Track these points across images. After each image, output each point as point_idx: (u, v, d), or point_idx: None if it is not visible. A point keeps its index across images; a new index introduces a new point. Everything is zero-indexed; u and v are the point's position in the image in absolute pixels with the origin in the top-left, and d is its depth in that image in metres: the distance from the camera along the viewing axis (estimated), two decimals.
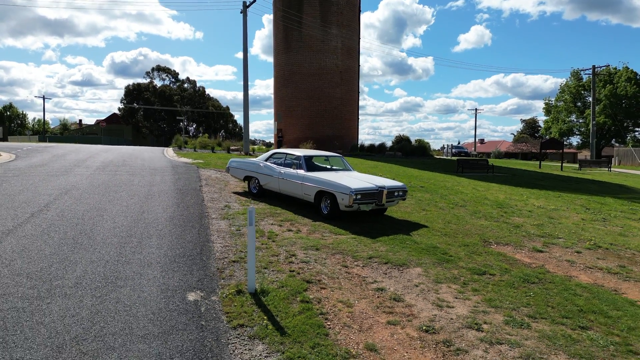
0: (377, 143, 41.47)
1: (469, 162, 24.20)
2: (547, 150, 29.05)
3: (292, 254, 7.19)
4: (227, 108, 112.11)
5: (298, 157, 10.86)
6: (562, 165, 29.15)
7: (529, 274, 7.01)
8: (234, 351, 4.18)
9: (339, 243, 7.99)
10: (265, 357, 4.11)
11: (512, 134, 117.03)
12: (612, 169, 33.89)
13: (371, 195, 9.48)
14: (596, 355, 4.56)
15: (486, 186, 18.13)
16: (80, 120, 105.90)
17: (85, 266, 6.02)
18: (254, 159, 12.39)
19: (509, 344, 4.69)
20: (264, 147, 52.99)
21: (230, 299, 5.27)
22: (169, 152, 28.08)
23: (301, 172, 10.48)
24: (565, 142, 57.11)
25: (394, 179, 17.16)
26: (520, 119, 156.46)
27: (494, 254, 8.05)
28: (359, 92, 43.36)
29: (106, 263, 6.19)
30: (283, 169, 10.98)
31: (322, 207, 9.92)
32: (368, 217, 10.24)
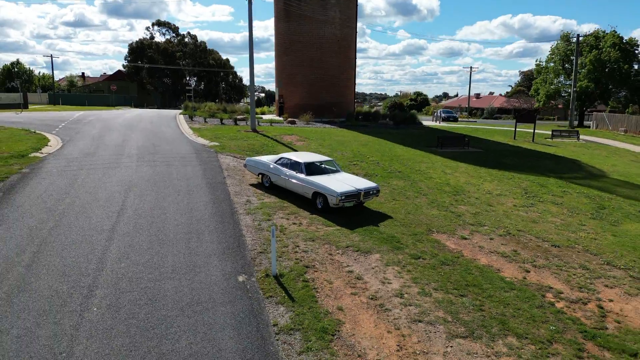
0: (376, 91, 44.45)
1: (448, 138, 27.75)
2: (522, 122, 32.26)
3: (296, 245, 11.14)
4: (227, 60, 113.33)
5: (300, 164, 14.55)
6: (533, 136, 32.68)
7: (448, 258, 10.99)
8: (268, 311, 8.19)
9: (327, 235, 11.92)
10: (284, 314, 8.12)
11: (510, 86, 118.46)
12: (583, 137, 37.39)
13: (352, 196, 13.31)
14: (460, 312, 8.59)
15: (455, 167, 21.90)
16: (83, 74, 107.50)
17: (172, 257, 9.99)
18: (266, 160, 16.04)
19: (415, 305, 8.72)
20: (266, 106, 55.87)
21: (262, 280, 9.26)
22: (184, 125, 31.53)
23: (302, 175, 14.23)
24: (553, 103, 59.72)
25: (378, 163, 20.92)
26: (519, 71, 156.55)
27: (431, 242, 12.01)
28: (355, 60, 45.92)
29: (184, 255, 10.15)
30: (288, 171, 14.73)
31: (317, 202, 13.76)
32: (351, 210, 14.11)
